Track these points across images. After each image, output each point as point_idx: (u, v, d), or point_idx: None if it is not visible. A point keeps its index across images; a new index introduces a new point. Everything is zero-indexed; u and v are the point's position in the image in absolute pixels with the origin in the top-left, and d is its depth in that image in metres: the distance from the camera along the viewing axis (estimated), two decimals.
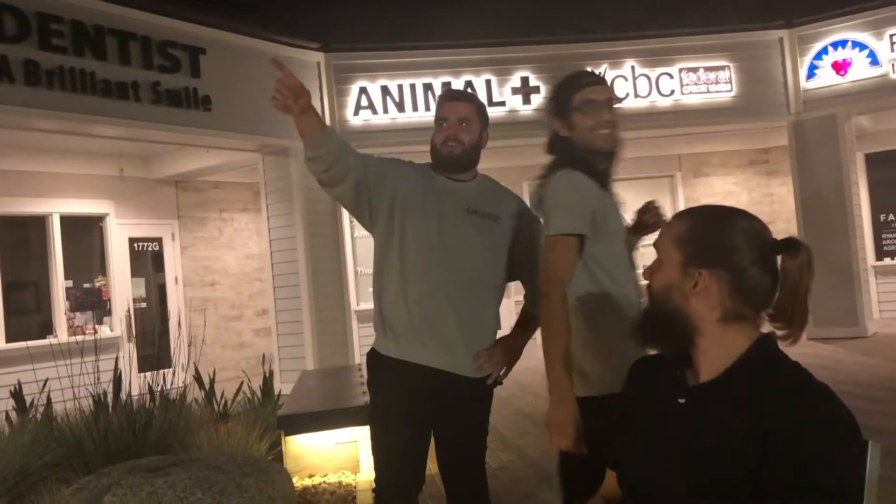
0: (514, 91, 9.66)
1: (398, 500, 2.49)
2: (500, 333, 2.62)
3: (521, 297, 2.69)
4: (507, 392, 7.27)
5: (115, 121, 7.13)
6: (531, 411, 6.52)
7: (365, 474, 4.43)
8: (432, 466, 2.56)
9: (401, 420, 2.46)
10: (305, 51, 8.95)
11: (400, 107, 9.38)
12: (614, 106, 2.30)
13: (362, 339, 9.50)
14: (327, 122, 8.82)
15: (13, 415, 5.35)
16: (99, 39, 6.94)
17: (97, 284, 9.61)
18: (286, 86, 2.26)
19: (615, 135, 2.28)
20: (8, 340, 8.36)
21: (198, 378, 5.91)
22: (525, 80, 9.68)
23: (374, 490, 2.53)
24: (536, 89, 9.68)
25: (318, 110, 8.41)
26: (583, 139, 2.24)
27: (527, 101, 9.67)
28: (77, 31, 6.79)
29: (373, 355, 2.58)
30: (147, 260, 10.23)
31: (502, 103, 9.57)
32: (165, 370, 5.25)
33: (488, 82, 9.60)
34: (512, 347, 2.58)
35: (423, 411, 2.48)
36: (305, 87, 2.31)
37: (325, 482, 4.46)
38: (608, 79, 9.84)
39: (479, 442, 2.61)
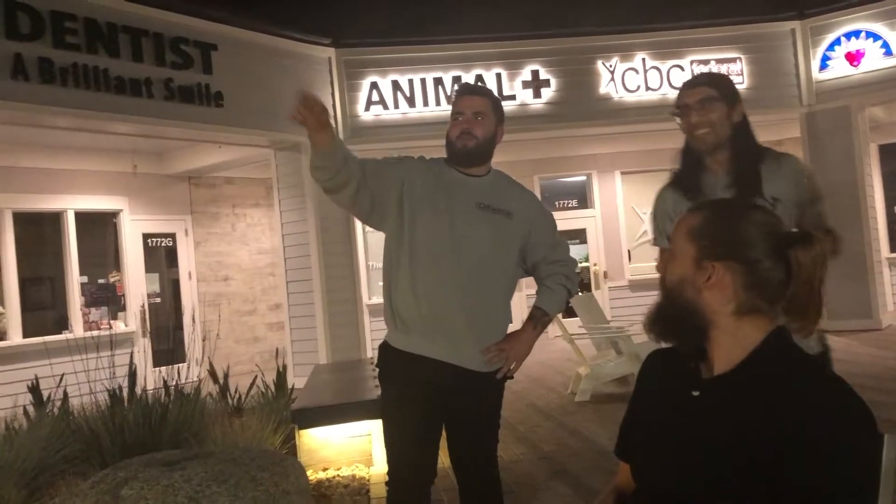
0: (525, 85, 9.64)
1: (410, 492, 2.51)
2: (512, 328, 2.62)
3: (533, 292, 2.69)
4: (520, 385, 7.28)
5: (128, 117, 7.18)
6: (543, 405, 6.53)
7: (378, 467, 4.46)
8: (444, 459, 2.57)
9: (412, 413, 2.48)
10: (316, 46, 8.95)
11: (411, 102, 9.37)
12: (713, 103, 2.39)
13: (374, 332, 9.53)
14: (338, 117, 8.86)
15: (31, 409, 5.40)
16: (112, 37, 6.99)
17: (112, 280, 9.69)
18: (309, 110, 2.22)
19: (714, 133, 2.38)
20: (25, 336, 8.45)
21: (212, 372, 5.95)
22: (535, 73, 9.66)
23: (386, 483, 2.55)
24: (547, 83, 9.66)
25: (329, 106, 8.32)
26: (690, 140, 2.43)
27: (537, 94, 9.65)
28: (90, 28, 6.84)
29: (384, 348, 2.59)
30: (161, 255, 10.30)
31: (513, 97, 9.55)
32: (180, 365, 5.30)
33: (499, 76, 9.57)
34: (522, 342, 2.58)
35: (433, 405, 2.50)
36: (322, 102, 2.29)
37: (338, 475, 4.49)
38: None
39: (491, 435, 2.62)
